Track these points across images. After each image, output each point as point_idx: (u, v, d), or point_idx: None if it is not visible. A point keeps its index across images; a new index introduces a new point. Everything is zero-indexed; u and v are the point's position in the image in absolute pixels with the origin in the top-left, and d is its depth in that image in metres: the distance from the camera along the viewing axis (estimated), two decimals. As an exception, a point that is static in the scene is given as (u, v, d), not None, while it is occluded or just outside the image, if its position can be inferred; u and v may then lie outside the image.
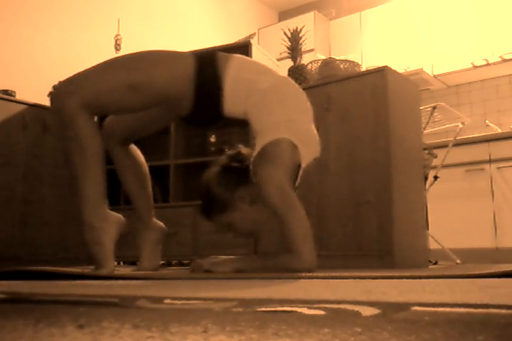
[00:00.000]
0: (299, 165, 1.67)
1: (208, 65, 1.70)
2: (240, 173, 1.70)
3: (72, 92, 1.63)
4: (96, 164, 1.63)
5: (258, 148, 1.65)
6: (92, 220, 1.61)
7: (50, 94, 1.69)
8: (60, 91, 1.66)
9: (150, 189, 2.00)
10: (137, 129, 1.95)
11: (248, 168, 1.68)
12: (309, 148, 1.69)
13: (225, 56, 1.75)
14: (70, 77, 1.70)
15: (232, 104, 1.71)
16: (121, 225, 1.68)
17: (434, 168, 3.41)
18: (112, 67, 1.70)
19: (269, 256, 1.70)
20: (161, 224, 2.01)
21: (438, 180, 3.40)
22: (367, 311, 0.52)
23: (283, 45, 3.12)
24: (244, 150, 1.76)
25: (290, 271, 1.50)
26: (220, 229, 1.77)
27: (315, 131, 1.75)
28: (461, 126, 3.46)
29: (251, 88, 1.70)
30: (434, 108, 3.37)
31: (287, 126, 1.65)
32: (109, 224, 1.64)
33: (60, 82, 1.70)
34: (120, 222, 1.68)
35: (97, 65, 1.72)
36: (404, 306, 0.57)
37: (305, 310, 0.54)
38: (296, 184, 1.70)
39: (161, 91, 1.69)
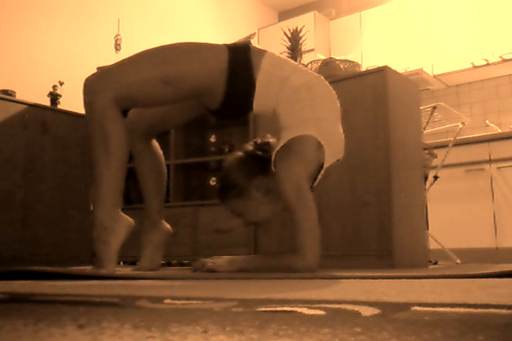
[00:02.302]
0: (322, 165, 1.66)
1: (241, 59, 1.68)
2: (261, 162, 1.70)
3: (104, 87, 1.60)
4: (119, 165, 1.60)
5: (283, 141, 1.63)
6: (104, 220, 1.59)
7: (83, 88, 1.64)
8: (93, 86, 1.62)
9: (164, 189, 1.99)
10: (162, 122, 1.91)
11: (271, 158, 1.68)
12: (334, 148, 1.68)
13: (259, 51, 1.72)
14: (102, 71, 1.66)
15: (263, 99, 1.69)
16: (131, 229, 1.65)
17: (434, 168, 3.41)
18: (145, 60, 1.66)
19: (272, 255, 1.70)
20: (168, 226, 1.99)
21: (438, 180, 3.39)
22: (367, 311, 0.52)
23: (283, 45, 3.12)
24: (271, 140, 1.76)
25: (292, 271, 1.50)
26: (231, 213, 1.76)
27: (341, 132, 1.74)
28: (461, 126, 3.46)
29: (283, 85, 1.68)
30: (434, 108, 3.37)
31: (316, 124, 1.63)
32: (119, 226, 1.61)
33: (91, 76, 1.65)
34: (130, 226, 1.65)
35: (129, 57, 1.68)
36: (404, 306, 0.57)
37: (305, 310, 0.54)
38: (315, 184, 1.69)
39: (194, 84, 1.67)
